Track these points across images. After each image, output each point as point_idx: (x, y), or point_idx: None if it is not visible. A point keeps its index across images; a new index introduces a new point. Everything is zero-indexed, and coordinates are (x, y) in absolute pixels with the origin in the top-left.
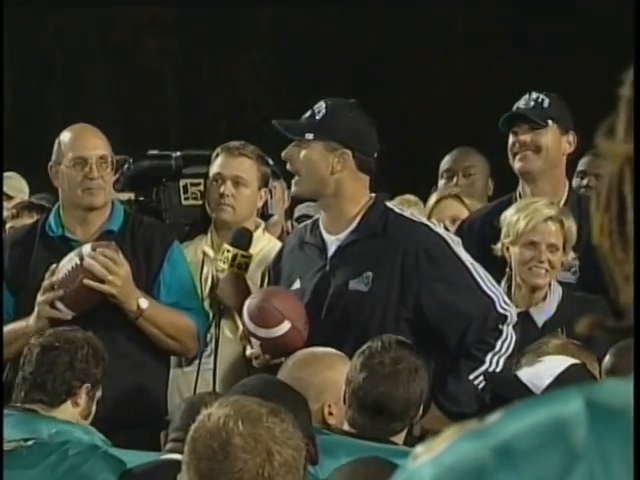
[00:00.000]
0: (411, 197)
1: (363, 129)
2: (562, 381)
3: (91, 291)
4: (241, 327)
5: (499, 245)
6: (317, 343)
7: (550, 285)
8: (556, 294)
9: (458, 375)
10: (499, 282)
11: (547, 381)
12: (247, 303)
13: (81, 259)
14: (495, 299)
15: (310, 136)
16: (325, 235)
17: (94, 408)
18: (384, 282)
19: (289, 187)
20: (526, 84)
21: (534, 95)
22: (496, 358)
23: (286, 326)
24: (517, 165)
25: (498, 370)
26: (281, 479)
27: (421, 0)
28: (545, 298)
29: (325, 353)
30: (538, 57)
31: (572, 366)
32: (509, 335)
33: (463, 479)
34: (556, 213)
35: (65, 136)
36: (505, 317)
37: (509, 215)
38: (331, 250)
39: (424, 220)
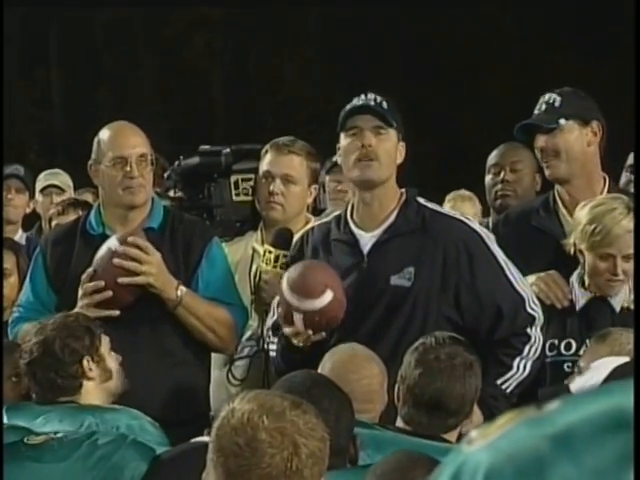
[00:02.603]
0: (465, 192)
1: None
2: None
3: (126, 283)
4: (281, 308)
5: (570, 241)
6: (359, 339)
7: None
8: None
9: (486, 379)
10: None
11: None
12: (286, 278)
13: (112, 253)
14: (525, 298)
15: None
16: (357, 231)
17: (113, 364)
18: (426, 277)
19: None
20: (575, 81)
21: (546, 97)
22: (523, 362)
23: (329, 295)
24: (546, 173)
25: (526, 374)
26: (309, 471)
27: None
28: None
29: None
30: (587, 52)
31: (617, 369)
32: (537, 339)
33: (521, 466)
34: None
35: (104, 135)
36: (533, 318)
37: (584, 220)
38: (367, 246)
39: (459, 215)
